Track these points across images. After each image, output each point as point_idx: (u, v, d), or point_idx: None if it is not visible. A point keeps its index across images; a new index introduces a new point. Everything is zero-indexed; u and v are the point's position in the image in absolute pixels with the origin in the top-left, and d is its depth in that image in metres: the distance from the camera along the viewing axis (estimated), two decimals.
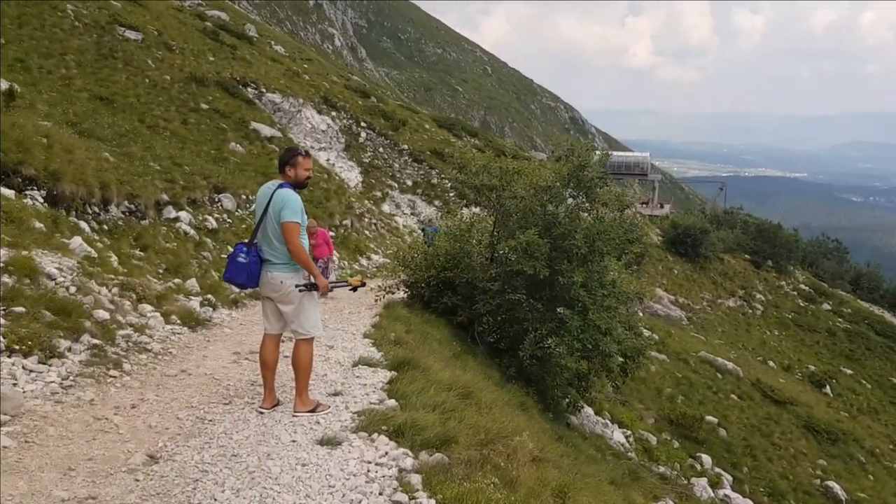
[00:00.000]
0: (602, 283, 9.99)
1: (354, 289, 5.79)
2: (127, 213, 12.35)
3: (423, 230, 23.78)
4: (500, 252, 9.79)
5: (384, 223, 27.30)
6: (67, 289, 7.37)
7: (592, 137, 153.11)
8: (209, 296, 10.26)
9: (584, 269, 9.57)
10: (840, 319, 43.59)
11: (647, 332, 16.90)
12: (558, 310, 9.76)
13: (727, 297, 40.50)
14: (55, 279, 7.46)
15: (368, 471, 4.35)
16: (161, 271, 10.94)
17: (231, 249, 15.04)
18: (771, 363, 33.20)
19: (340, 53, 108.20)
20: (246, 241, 5.51)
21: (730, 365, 23.60)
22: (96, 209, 11.22)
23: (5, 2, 21.98)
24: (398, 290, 12.08)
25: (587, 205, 9.74)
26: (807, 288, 46.47)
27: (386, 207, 30.73)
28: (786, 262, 47.64)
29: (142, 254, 11.07)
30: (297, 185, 5.54)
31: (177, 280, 10.56)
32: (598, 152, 9.91)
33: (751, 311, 40.68)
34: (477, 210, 33.35)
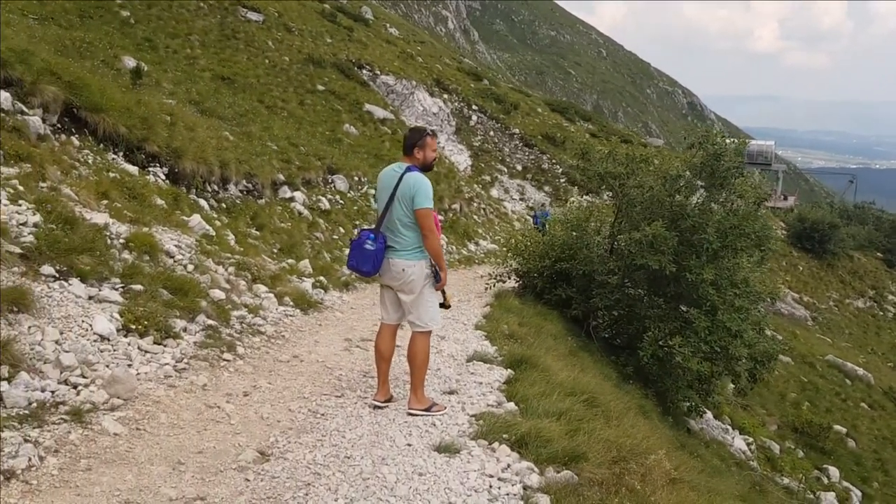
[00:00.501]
0: (733, 281, 9.22)
1: (445, 306, 5.42)
2: (244, 192, 12.44)
3: (533, 215, 23.23)
4: (622, 244, 9.18)
5: (493, 208, 26.91)
6: (185, 267, 7.35)
7: (712, 124, 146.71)
8: (321, 278, 10.15)
9: (715, 266, 8.84)
10: None
11: (769, 333, 15.78)
12: (682, 308, 9.08)
13: (856, 298, 37.87)
14: (174, 257, 7.46)
15: (491, 486, 3.95)
16: (275, 251, 10.93)
17: (343, 231, 15.12)
18: None
19: (453, 36, 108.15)
20: (371, 227, 5.23)
21: (860, 370, 21.92)
22: (215, 187, 11.32)
23: None
24: (509, 278, 11.66)
25: (720, 196, 8.97)
26: None
27: (494, 192, 30.32)
28: None
29: (257, 233, 11.10)
30: (425, 168, 5.19)
31: (290, 260, 10.52)
32: (733, 140, 9.09)
33: (882, 312, 37.91)
34: (589, 197, 32.43)
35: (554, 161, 33.43)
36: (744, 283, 9.32)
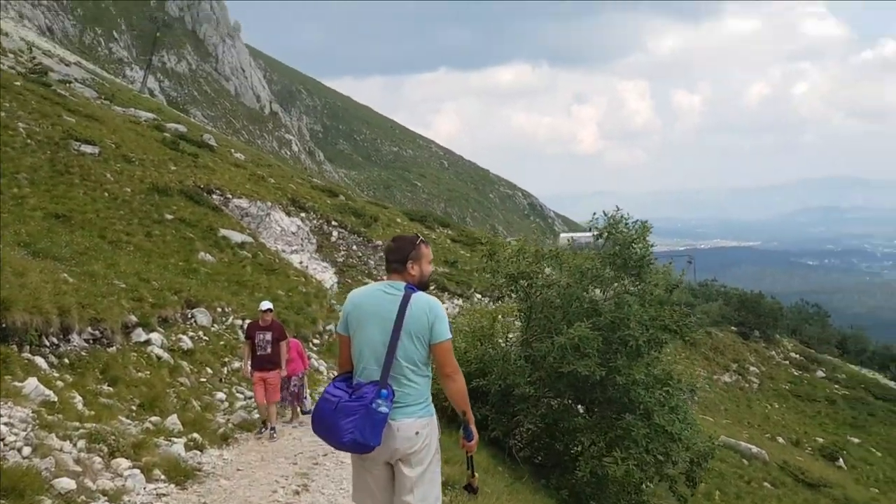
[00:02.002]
0: (658, 377, 8.52)
1: (472, 489, 4.14)
2: (91, 341, 10.61)
3: None
4: (543, 351, 8.29)
5: None
6: (20, 451, 5.67)
7: (552, 221, 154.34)
8: (195, 434, 8.51)
9: (642, 364, 8.11)
10: (836, 386, 42.47)
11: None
12: (612, 415, 8.22)
13: (722, 373, 39.16)
14: (3, 439, 5.76)
15: None
16: (135, 408, 9.20)
17: (211, 372, 13.30)
18: (780, 439, 31.66)
19: (298, 158, 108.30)
20: (370, 380, 3.79)
21: (753, 448, 21.99)
22: (55, 340, 9.48)
23: None
24: None
25: (635, 287, 8.36)
26: (798, 356, 45.45)
27: None
28: (772, 331, 46.71)
29: (110, 389, 9.32)
30: (420, 287, 3.99)
31: (154, 418, 8.81)
32: (636, 221, 8.59)
33: (747, 385, 39.33)
34: (485, 300, 31.66)
35: None
36: (668, 378, 8.64)
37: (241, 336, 14.42)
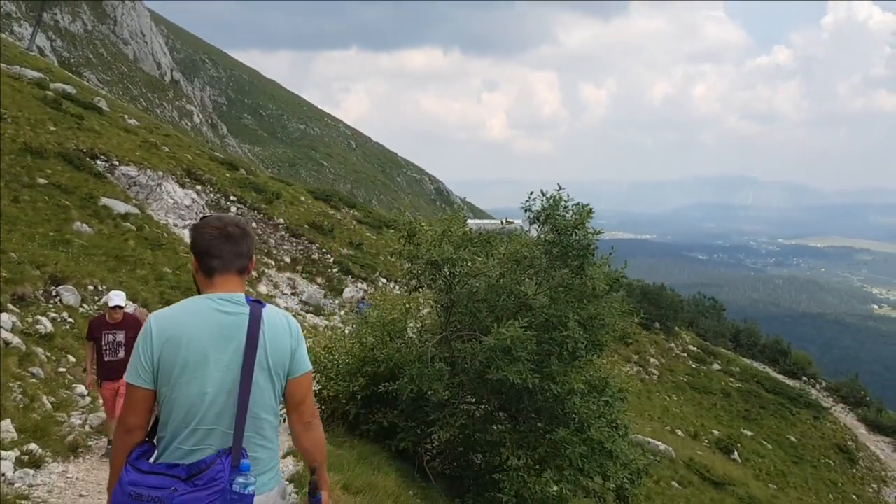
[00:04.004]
0: (593, 384, 7.46)
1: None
2: None
3: (358, 308, 20.81)
4: (463, 353, 7.05)
5: None
6: None
7: (459, 207, 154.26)
8: (32, 445, 6.84)
9: (580, 371, 7.03)
10: (731, 379, 43.50)
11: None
12: (550, 428, 7.08)
13: (623, 364, 39.26)
14: None
15: None
16: None
17: (74, 360, 11.43)
18: (679, 432, 31.87)
19: (200, 130, 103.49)
20: (206, 448, 2.46)
21: (661, 445, 21.64)
22: None
23: None
24: None
25: (576, 283, 7.22)
26: (695, 349, 46.29)
27: (263, 288, 27.23)
28: (672, 323, 47.40)
29: None
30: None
31: None
32: (576, 203, 7.42)
33: (647, 376, 39.63)
34: (390, 284, 30.22)
35: (324, 250, 31.19)
36: (605, 384, 7.61)
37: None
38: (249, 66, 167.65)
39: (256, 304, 2.57)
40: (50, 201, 19.67)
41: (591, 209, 7.45)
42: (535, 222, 7.40)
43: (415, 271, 7.54)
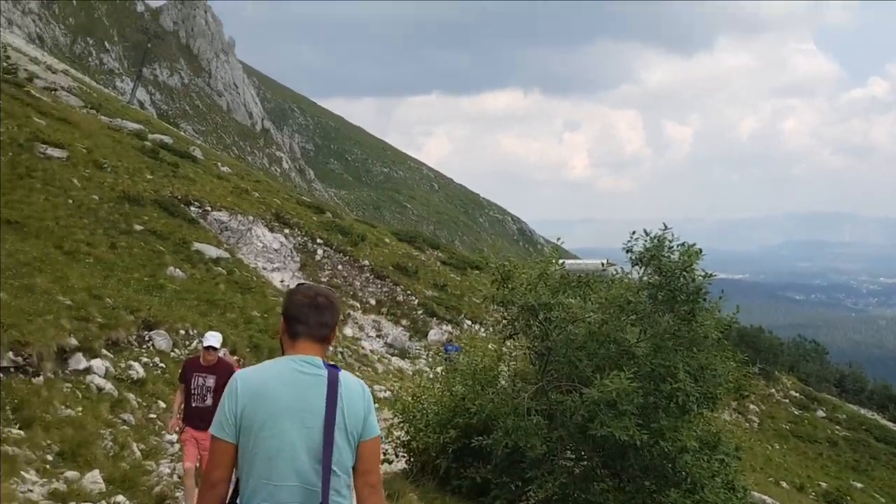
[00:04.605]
0: (705, 440, 6.82)
1: None
2: (12, 370, 8.79)
3: (445, 351, 20.66)
4: (562, 405, 6.54)
5: (351, 350, 23.80)
6: None
7: (541, 247, 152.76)
8: (119, 497, 6.69)
9: (691, 426, 6.43)
10: (837, 427, 40.89)
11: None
12: (660, 489, 6.47)
13: (721, 411, 37.45)
14: None
15: None
16: (51, 457, 7.37)
17: (164, 406, 11.37)
18: (784, 484, 29.94)
19: (289, 176, 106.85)
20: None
21: (768, 500, 20.23)
22: None
23: None
24: (396, 457, 8.63)
25: (685, 330, 6.64)
26: (798, 394, 43.80)
27: (349, 331, 27.27)
28: (772, 367, 45.09)
29: (21, 433, 7.48)
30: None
31: (71, 473, 6.99)
32: (683, 243, 6.84)
33: (747, 424, 37.60)
34: (475, 326, 29.79)
35: (409, 292, 31.09)
36: (717, 440, 6.95)
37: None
38: (335, 112, 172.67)
39: (333, 368, 2.75)
40: (145, 247, 20.24)
41: (699, 249, 6.88)
42: (637, 264, 6.88)
43: (508, 317, 7.11)
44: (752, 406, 39.37)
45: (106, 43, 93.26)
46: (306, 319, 2.76)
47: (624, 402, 5.98)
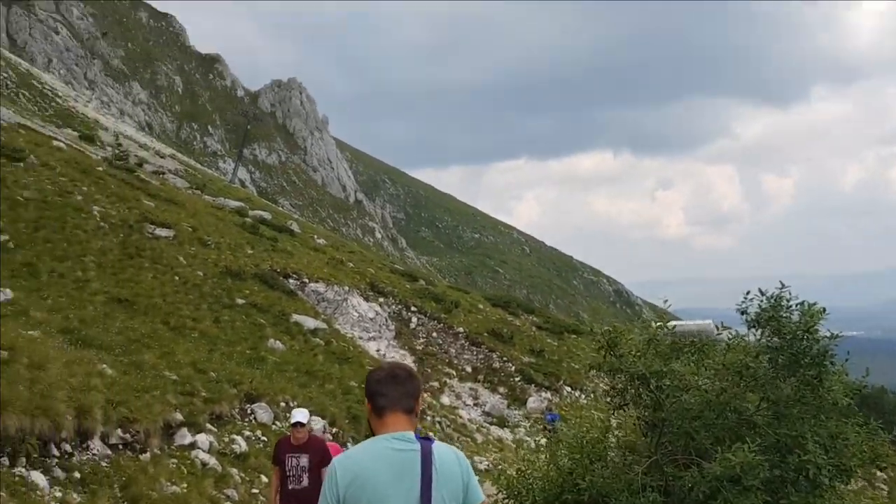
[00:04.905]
0: None
1: None
2: (120, 446, 8.95)
3: (546, 420, 20.27)
4: (680, 481, 6.06)
5: (449, 420, 23.43)
6: None
7: (639, 308, 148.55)
8: None
9: (823, 501, 5.82)
10: None
11: None
12: None
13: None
14: None
15: None
16: None
17: (266, 480, 11.34)
18: None
19: (381, 245, 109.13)
20: None
21: None
22: (68, 447, 7.84)
23: (22, 206, 20.10)
24: None
25: (805, 393, 6.09)
26: None
27: (445, 399, 26.96)
28: None
29: None
30: None
31: None
32: (803, 302, 6.33)
33: (873, 490, 34.67)
34: (575, 393, 28.94)
35: (505, 358, 30.63)
36: None
37: None
38: (425, 181, 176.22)
39: (426, 440, 2.77)
40: (247, 320, 20.73)
41: (822, 309, 6.36)
42: (753, 326, 6.40)
43: (617, 386, 6.73)
44: (878, 473, 36.39)
45: (209, 127, 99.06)
46: (388, 392, 2.84)
47: (749, 476, 5.47)
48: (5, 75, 49.36)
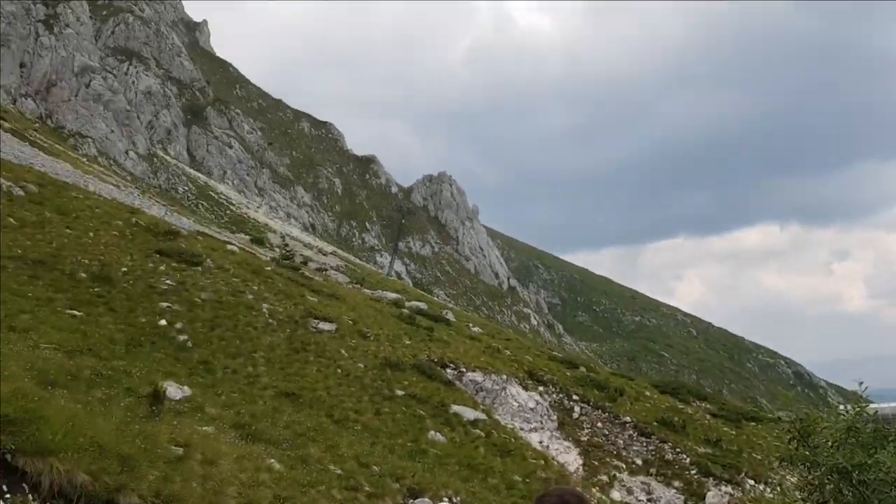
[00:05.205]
0: None
1: None
2: None
3: None
4: None
5: None
6: None
7: (824, 392, 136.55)
8: None
9: None
10: None
11: None
12: None
13: None
14: None
15: None
16: None
17: None
18: None
19: (538, 331, 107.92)
20: None
21: None
22: None
23: (199, 307, 21.43)
24: None
25: None
26: None
27: (616, 494, 25.35)
28: None
29: None
30: None
31: None
32: None
33: None
34: (759, 486, 26.47)
35: (678, 449, 28.57)
36: None
37: None
38: (578, 265, 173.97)
39: None
40: (407, 412, 20.66)
41: None
42: None
43: (814, 481, 5.81)
44: None
45: (367, 223, 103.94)
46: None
47: None
48: (187, 188, 54.40)
